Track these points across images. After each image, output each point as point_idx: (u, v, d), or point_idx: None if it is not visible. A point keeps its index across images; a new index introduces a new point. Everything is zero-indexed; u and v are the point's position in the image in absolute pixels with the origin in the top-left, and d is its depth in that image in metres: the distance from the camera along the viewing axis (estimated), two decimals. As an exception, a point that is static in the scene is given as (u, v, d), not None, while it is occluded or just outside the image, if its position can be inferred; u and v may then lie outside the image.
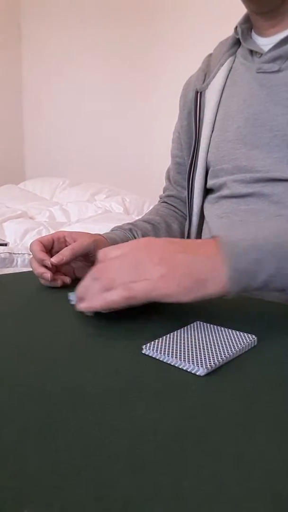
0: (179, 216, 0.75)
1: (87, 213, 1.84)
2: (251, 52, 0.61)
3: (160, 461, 0.20)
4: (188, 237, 0.68)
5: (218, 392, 0.26)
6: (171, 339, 0.33)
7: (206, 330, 0.34)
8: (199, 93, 0.66)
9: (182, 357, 0.29)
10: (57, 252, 0.53)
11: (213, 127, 0.64)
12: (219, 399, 0.25)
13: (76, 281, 0.53)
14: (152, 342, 0.32)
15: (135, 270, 0.35)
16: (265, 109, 0.56)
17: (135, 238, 0.63)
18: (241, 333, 0.34)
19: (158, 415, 0.23)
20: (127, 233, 0.63)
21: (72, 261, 0.53)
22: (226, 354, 0.30)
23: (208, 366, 0.28)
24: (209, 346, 0.31)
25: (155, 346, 0.31)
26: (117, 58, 2.46)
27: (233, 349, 0.30)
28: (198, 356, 0.29)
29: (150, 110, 2.33)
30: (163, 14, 2.20)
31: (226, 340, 0.32)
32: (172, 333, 0.34)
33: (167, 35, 2.19)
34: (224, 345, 0.31)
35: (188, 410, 0.24)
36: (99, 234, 0.58)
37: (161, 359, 0.30)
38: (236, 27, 0.63)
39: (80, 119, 2.68)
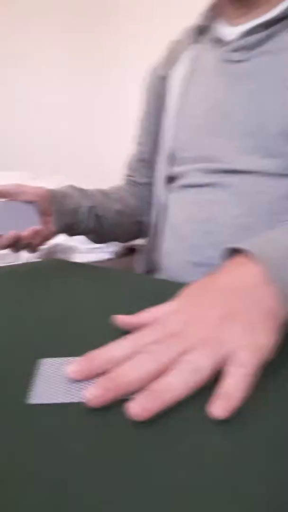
0: (135, 194, 0.76)
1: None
2: (216, 40, 0.60)
3: (119, 461, 0.20)
4: (152, 224, 0.69)
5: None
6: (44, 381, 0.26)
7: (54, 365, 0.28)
8: (163, 79, 0.65)
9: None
10: None
11: (177, 115, 0.64)
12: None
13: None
14: (33, 392, 0.25)
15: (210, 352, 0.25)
16: (228, 98, 0.56)
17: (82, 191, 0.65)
18: None
19: (113, 416, 0.23)
20: (75, 190, 0.65)
21: None
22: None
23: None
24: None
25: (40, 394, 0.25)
26: (77, 49, 2.40)
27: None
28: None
29: (112, 102, 2.30)
30: (124, 4, 2.17)
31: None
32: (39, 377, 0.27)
33: (128, 24, 2.17)
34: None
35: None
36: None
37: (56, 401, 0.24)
38: (202, 14, 0.62)
39: (40, 110, 2.60)
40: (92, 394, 0.23)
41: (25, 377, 0.27)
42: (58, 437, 0.21)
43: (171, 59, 0.67)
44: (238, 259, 0.32)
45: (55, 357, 0.29)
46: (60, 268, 0.59)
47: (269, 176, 0.53)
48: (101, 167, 2.32)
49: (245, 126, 0.54)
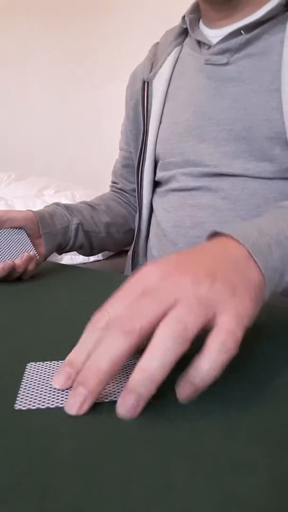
0: (123, 202, 0.76)
1: (34, 209, 1.77)
2: (199, 43, 0.60)
3: (106, 463, 0.19)
4: (139, 229, 0.68)
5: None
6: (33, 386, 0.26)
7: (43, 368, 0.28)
8: (146, 83, 0.65)
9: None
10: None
11: (161, 119, 0.63)
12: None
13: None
14: (20, 397, 0.24)
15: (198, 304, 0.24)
16: (213, 102, 0.56)
17: (68, 211, 0.64)
18: None
19: (103, 416, 0.23)
20: (61, 209, 0.63)
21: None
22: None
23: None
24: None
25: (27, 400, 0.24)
26: (62, 46, 2.39)
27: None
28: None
29: (99, 101, 2.29)
30: (110, 3, 2.16)
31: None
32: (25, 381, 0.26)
33: (115, 24, 2.16)
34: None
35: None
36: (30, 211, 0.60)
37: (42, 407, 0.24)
38: (184, 17, 0.62)
39: (24, 111, 2.57)
40: (71, 406, 0.22)
41: (13, 381, 0.26)
42: (45, 440, 0.21)
43: (154, 61, 0.67)
44: (223, 239, 0.31)
45: (42, 358, 0.29)
46: (48, 270, 0.58)
47: (259, 180, 0.53)
48: (93, 170, 2.31)
49: (231, 130, 0.54)
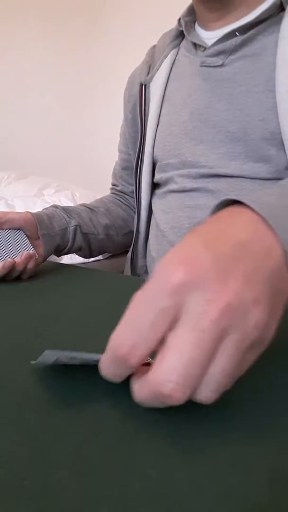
0: (123, 204, 0.76)
1: (34, 209, 1.78)
2: (195, 45, 0.60)
3: (106, 463, 0.19)
4: (138, 231, 0.68)
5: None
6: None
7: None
8: (143, 86, 0.65)
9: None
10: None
11: (158, 121, 0.63)
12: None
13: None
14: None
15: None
16: (209, 104, 0.56)
17: (66, 213, 0.64)
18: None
19: (103, 417, 0.23)
20: (59, 211, 0.63)
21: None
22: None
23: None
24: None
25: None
26: (62, 49, 2.39)
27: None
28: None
29: (98, 101, 2.29)
30: (107, 5, 2.17)
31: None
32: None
33: (112, 25, 2.17)
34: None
35: (133, 410, 0.24)
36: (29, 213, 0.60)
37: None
38: (180, 19, 0.62)
39: (24, 110, 2.57)
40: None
41: (12, 380, 0.26)
42: (45, 440, 0.21)
43: (151, 64, 0.67)
44: (258, 226, 0.24)
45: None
46: (48, 270, 0.58)
47: (256, 180, 0.53)
48: (93, 170, 2.31)
49: (227, 132, 0.54)
